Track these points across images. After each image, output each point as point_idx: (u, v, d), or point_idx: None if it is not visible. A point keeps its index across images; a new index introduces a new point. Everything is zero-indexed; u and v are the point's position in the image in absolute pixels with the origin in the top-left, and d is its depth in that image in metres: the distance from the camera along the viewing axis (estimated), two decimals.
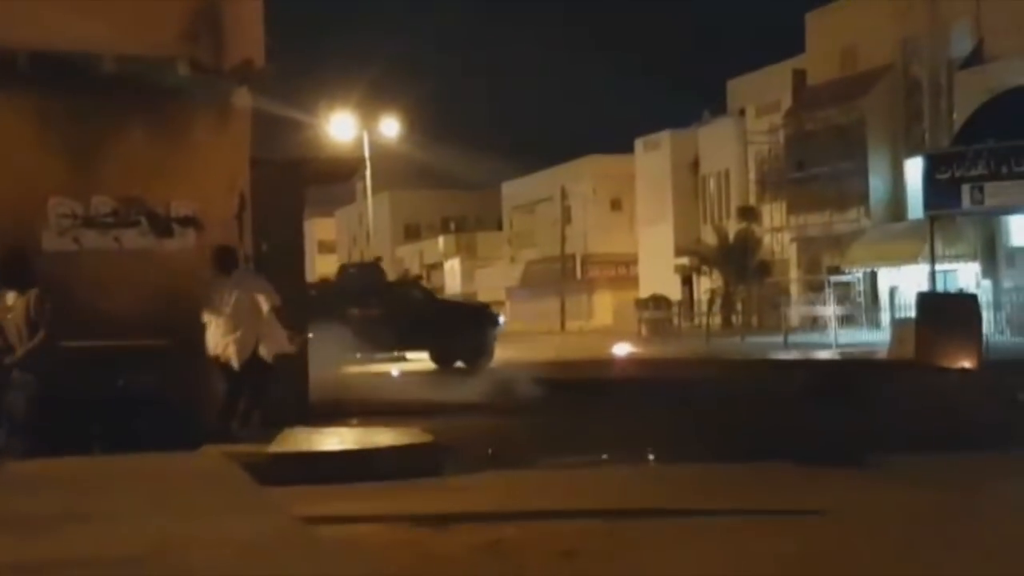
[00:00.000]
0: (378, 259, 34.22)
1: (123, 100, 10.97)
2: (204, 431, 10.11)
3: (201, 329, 10.73)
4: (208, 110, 11.37)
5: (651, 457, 10.88)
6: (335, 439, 11.16)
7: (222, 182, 11.35)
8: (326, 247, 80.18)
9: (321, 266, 73.98)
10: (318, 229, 74.42)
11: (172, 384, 10.46)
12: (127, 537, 5.19)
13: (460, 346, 24.55)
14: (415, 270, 73.20)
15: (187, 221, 11.26)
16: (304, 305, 13.23)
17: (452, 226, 71.99)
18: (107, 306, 10.55)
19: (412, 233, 74.98)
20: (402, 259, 74.23)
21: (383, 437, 11.19)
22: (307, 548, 5.04)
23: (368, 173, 43.41)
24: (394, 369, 24.64)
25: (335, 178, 16.45)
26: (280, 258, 12.47)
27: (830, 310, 32.46)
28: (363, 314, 23.69)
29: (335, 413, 13.17)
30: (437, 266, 70.71)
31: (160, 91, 11.00)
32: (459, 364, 24.34)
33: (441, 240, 70.35)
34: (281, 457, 9.93)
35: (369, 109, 43.90)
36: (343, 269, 30.00)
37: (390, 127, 44.78)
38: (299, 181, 13.20)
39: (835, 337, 29.62)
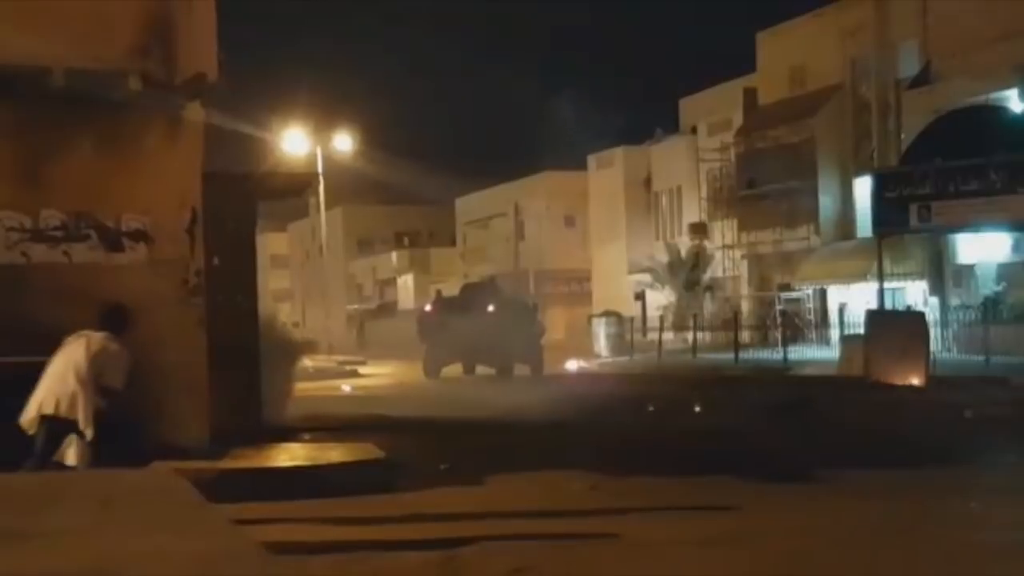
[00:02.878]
0: (493, 277, 38.54)
1: (73, 114, 10.88)
2: (154, 447, 10.03)
3: (151, 344, 10.64)
4: (160, 124, 11.30)
5: (600, 476, 10.92)
6: (286, 455, 11.11)
7: (173, 196, 11.29)
8: (279, 262, 79.70)
9: (273, 281, 73.61)
10: (271, 243, 73.99)
11: (122, 399, 10.35)
12: (67, 555, 5.14)
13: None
14: (368, 286, 73.00)
15: (138, 235, 11.18)
16: (256, 320, 13.17)
17: (405, 241, 71.82)
18: (56, 320, 10.42)
19: (365, 248, 74.70)
20: (354, 274, 73.95)
21: (334, 453, 11.15)
22: (253, 566, 5.01)
23: (321, 188, 43.25)
24: (346, 385, 24.59)
25: (288, 193, 16.37)
26: (232, 273, 12.40)
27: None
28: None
29: (288, 429, 13.10)
30: (390, 281, 70.49)
31: (111, 105, 10.92)
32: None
33: (394, 255, 70.15)
34: (231, 473, 9.86)
35: (323, 124, 43.76)
36: (467, 288, 33.35)
37: (343, 142, 44.65)
38: (251, 195, 13.14)
39: (785, 354, 29.87)
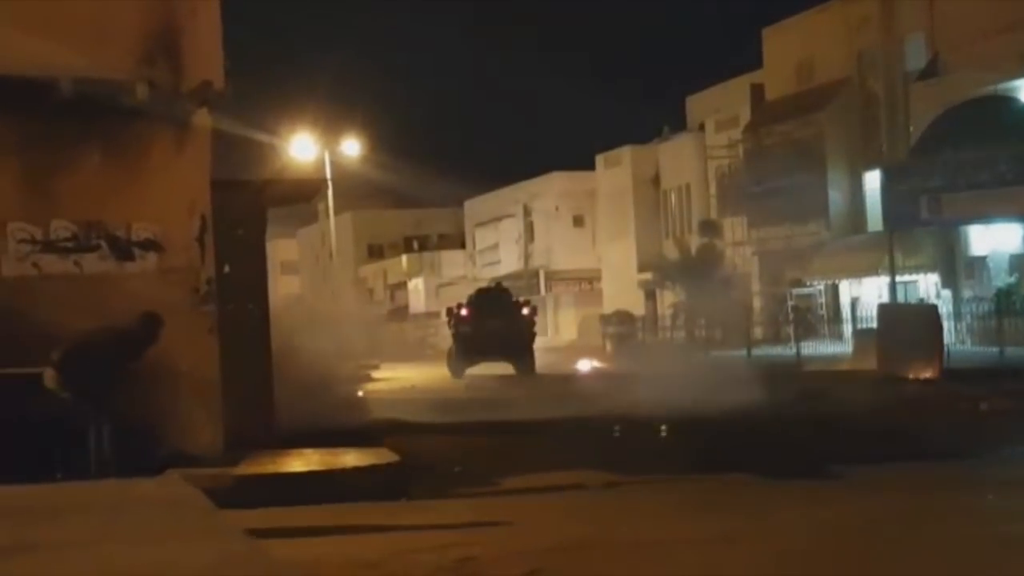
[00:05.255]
0: (499, 281, 40.69)
1: (81, 123, 10.90)
2: (167, 454, 10.04)
3: (163, 352, 10.66)
4: (167, 132, 11.31)
5: (614, 475, 10.88)
6: (300, 460, 11.10)
7: (183, 204, 11.30)
8: (289, 268, 79.78)
9: (283, 287, 73.66)
10: (280, 250, 74.04)
11: (135, 408, 10.36)
12: (78, 565, 5.12)
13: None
14: (379, 290, 73.05)
15: (148, 244, 11.19)
16: (267, 326, 13.16)
17: (415, 245, 71.83)
18: (68, 331, 10.44)
19: (375, 252, 74.71)
20: (365, 279, 73.96)
21: (349, 458, 11.14)
22: (263, 574, 4.99)
23: (330, 193, 43.29)
24: (358, 390, 24.59)
25: (297, 199, 16.37)
26: (243, 280, 12.40)
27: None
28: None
29: (302, 434, 13.08)
30: (401, 285, 70.52)
31: (119, 113, 10.93)
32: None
33: (404, 259, 70.15)
34: (244, 479, 9.86)
35: (330, 129, 43.82)
36: (482, 292, 34.53)
37: (351, 147, 44.70)
38: (261, 202, 13.13)
39: (797, 350, 29.79)
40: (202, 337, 11.19)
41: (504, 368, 29.12)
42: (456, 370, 29.57)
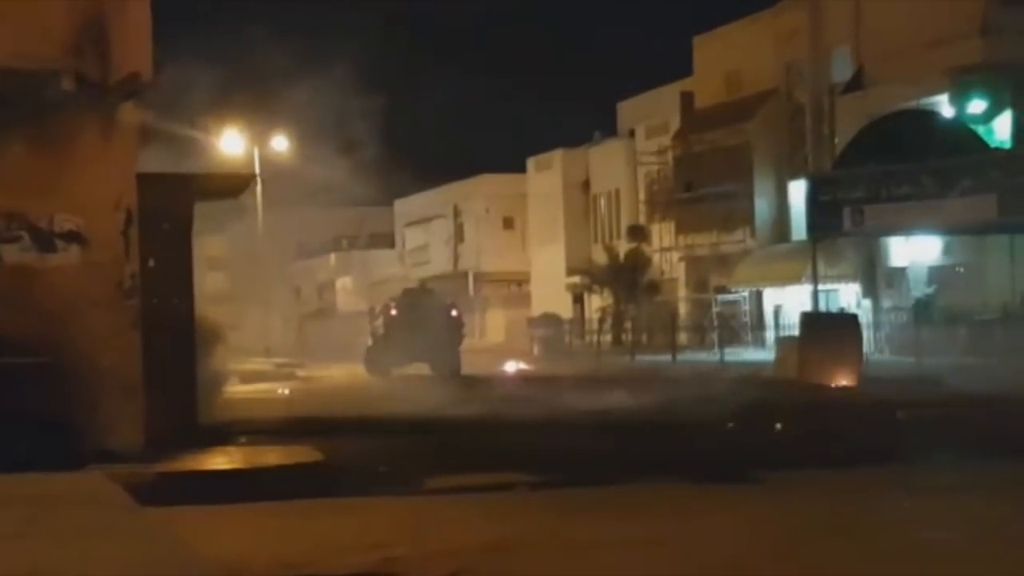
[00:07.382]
0: (424, 282, 41.08)
1: (4, 114, 10.73)
2: (88, 450, 9.92)
3: (85, 346, 10.52)
4: (94, 124, 11.17)
5: (539, 477, 10.94)
6: (223, 458, 11.03)
7: (108, 197, 11.16)
8: (217, 264, 78.82)
9: (211, 283, 72.79)
10: (208, 246, 73.11)
11: (55, 403, 10.23)
12: (1, 560, 5.07)
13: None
14: (307, 288, 72.56)
15: (71, 236, 11.04)
16: (192, 322, 13.06)
17: (344, 243, 71.42)
18: None
19: (304, 251, 74.16)
20: (293, 277, 73.38)
21: (272, 456, 11.09)
22: (186, 571, 4.98)
23: (259, 189, 42.93)
24: (283, 388, 24.46)
25: (225, 194, 16.22)
26: (168, 275, 12.28)
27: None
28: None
29: (225, 431, 12.99)
30: (329, 284, 70.09)
31: (44, 105, 10.78)
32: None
33: (332, 257, 69.75)
34: (166, 476, 9.78)
35: (260, 126, 43.44)
36: (407, 292, 34.57)
37: (281, 144, 44.38)
38: (188, 197, 13.01)
39: (721, 355, 30.14)
40: (125, 332, 11.07)
41: (426, 368, 29.17)
42: (380, 369, 29.55)
